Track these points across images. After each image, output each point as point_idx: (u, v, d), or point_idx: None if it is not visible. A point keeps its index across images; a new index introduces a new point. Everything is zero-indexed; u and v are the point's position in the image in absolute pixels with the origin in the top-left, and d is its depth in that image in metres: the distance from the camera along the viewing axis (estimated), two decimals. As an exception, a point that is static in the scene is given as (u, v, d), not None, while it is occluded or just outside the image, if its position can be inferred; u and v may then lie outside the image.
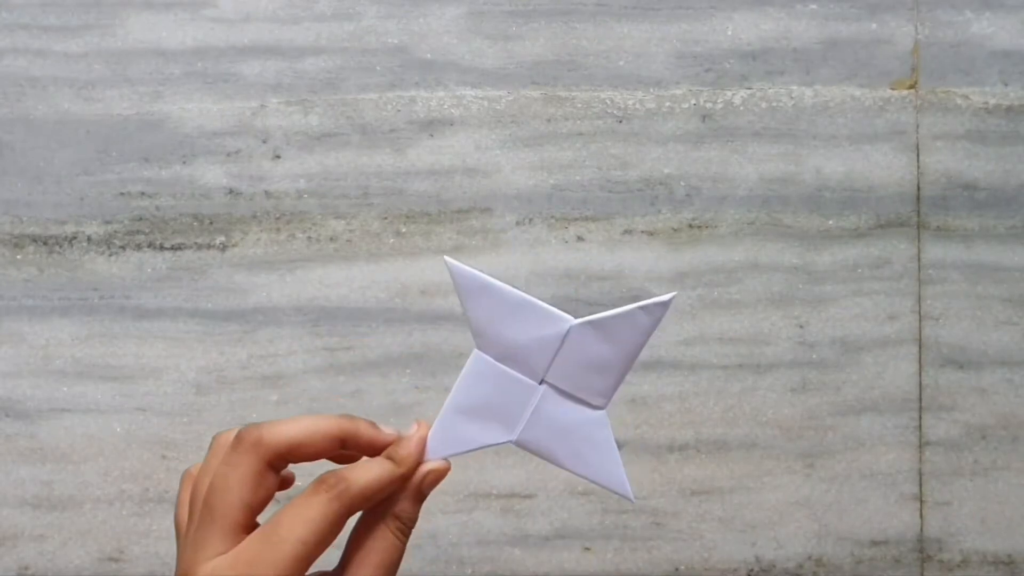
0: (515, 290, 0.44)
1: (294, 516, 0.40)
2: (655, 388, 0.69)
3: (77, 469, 0.69)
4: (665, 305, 0.43)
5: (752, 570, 0.69)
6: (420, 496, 0.43)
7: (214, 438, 0.42)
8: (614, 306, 0.70)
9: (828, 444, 0.70)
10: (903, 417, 0.70)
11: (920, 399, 0.70)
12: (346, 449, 0.43)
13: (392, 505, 0.42)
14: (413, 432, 0.43)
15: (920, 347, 0.70)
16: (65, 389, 0.70)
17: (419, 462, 0.43)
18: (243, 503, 0.40)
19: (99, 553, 0.69)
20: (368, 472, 0.41)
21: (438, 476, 0.43)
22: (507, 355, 0.43)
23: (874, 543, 0.69)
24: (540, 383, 0.43)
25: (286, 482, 0.44)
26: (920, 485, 0.70)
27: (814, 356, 0.70)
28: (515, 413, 0.43)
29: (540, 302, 0.43)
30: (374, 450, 0.43)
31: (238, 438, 0.41)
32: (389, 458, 0.42)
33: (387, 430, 0.43)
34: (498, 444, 0.43)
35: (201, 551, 0.40)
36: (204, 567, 0.39)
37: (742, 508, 0.69)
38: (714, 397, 0.69)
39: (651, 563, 0.69)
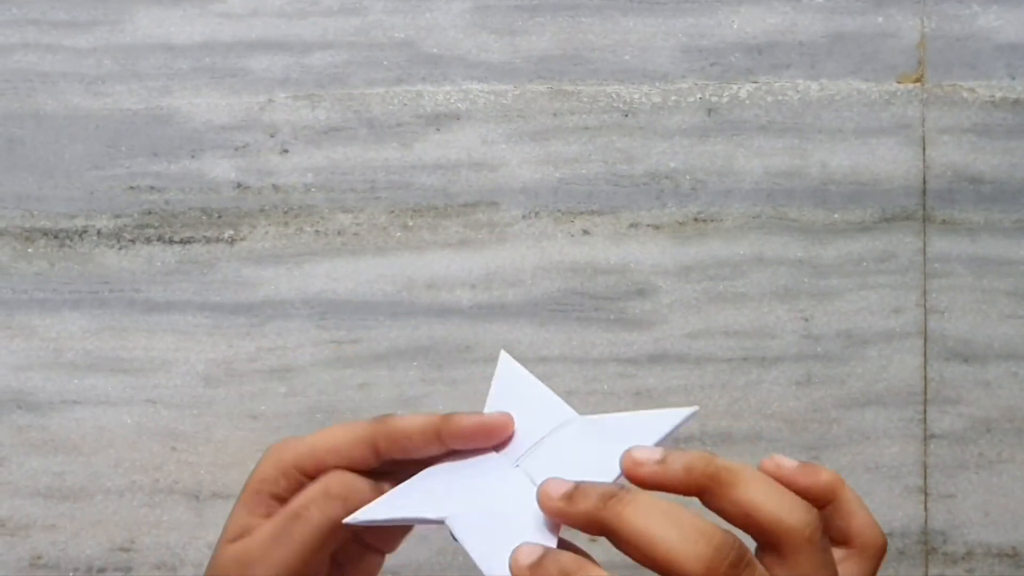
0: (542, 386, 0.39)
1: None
2: (660, 381, 0.70)
3: (88, 460, 0.70)
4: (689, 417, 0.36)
5: (756, 562, 0.70)
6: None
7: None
8: (620, 300, 0.70)
9: (833, 437, 0.70)
10: (908, 410, 0.70)
11: (925, 392, 0.70)
12: (381, 455, 0.39)
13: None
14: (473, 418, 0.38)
15: (925, 340, 0.70)
16: (76, 381, 0.70)
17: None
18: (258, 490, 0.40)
19: (110, 543, 0.70)
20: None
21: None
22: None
23: (878, 535, 0.70)
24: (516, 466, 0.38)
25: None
26: (924, 478, 0.70)
27: (819, 349, 0.70)
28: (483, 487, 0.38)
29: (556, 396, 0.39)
30: (416, 442, 0.38)
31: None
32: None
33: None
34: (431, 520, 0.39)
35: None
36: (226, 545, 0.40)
37: (747, 500, 0.70)
38: (719, 390, 0.70)
39: (656, 554, 0.69)
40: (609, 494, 0.32)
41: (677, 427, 0.36)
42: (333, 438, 0.39)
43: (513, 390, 0.39)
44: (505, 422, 0.38)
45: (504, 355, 0.41)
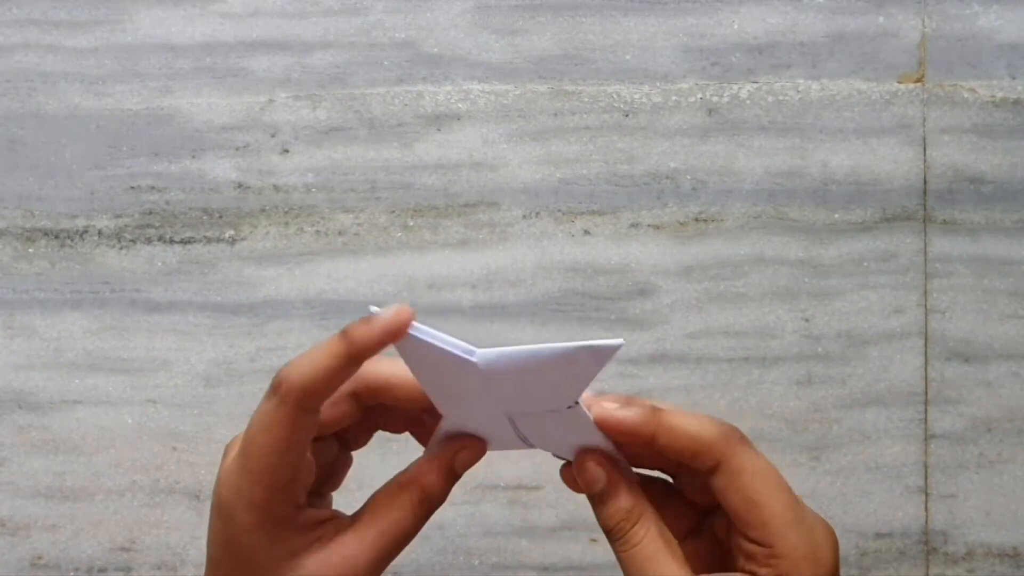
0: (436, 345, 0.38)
1: (254, 427, 0.38)
2: (661, 381, 0.70)
3: (89, 460, 0.70)
4: (610, 351, 0.37)
5: (757, 562, 0.70)
6: (452, 474, 0.40)
7: None
8: (621, 300, 0.70)
9: (833, 437, 0.70)
10: (908, 410, 0.70)
11: (926, 392, 0.70)
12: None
13: (421, 475, 0.40)
14: (387, 310, 0.37)
15: (926, 340, 0.70)
16: (77, 381, 0.70)
17: (376, 343, 0.37)
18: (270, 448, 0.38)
19: (111, 543, 0.70)
20: (309, 362, 0.37)
21: (473, 455, 0.40)
22: (465, 417, 0.40)
23: (879, 535, 0.70)
24: (506, 417, 0.40)
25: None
26: (925, 478, 0.70)
27: (820, 349, 0.70)
28: (511, 434, 0.40)
29: (448, 344, 0.38)
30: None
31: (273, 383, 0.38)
32: (343, 334, 0.37)
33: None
34: (514, 448, 0.41)
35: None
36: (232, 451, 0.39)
37: (747, 500, 0.70)
38: (720, 390, 0.70)
39: (657, 554, 0.69)
40: (652, 406, 0.39)
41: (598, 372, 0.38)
42: (264, 445, 0.37)
43: (425, 362, 0.39)
44: (404, 313, 0.37)
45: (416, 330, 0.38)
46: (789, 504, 0.39)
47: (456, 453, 0.40)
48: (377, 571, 0.39)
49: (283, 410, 0.37)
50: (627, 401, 0.39)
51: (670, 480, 0.42)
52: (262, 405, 0.37)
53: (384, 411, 0.41)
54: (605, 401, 0.39)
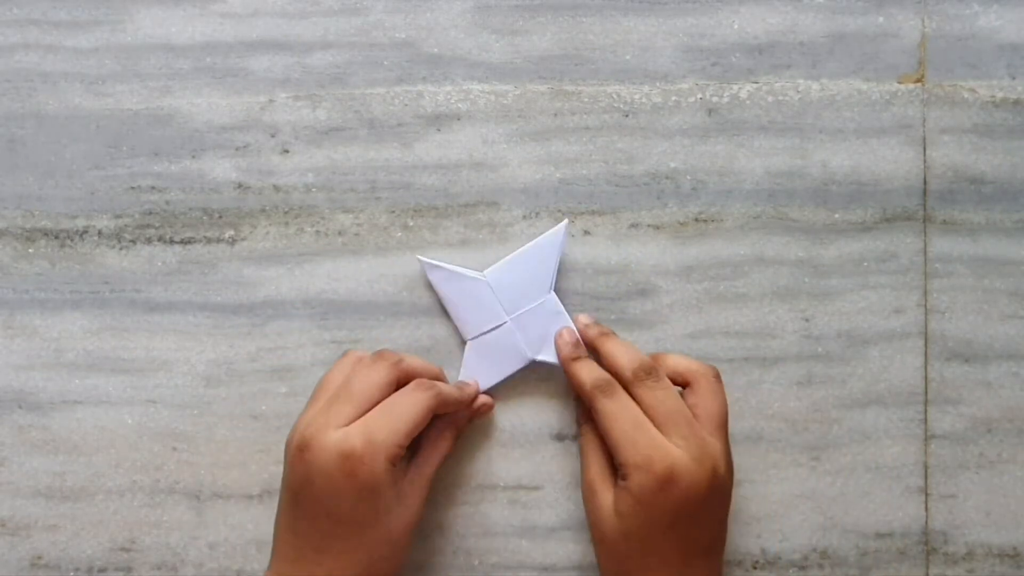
0: (448, 271, 0.67)
1: (408, 402, 0.60)
2: (661, 381, 0.69)
3: (89, 460, 0.70)
4: (561, 233, 0.67)
5: (757, 562, 0.70)
6: (473, 416, 0.67)
7: (347, 352, 0.65)
8: (621, 300, 0.70)
9: (834, 437, 0.70)
10: (909, 410, 0.70)
11: (926, 392, 0.70)
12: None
13: (455, 419, 0.66)
14: (474, 382, 0.67)
15: (926, 341, 0.70)
16: (77, 381, 0.70)
17: (475, 397, 0.67)
18: (374, 397, 0.60)
19: (111, 543, 0.70)
20: (452, 391, 0.64)
21: (488, 408, 0.67)
22: (480, 322, 0.67)
23: (879, 535, 0.70)
24: (506, 322, 0.66)
25: None
26: (925, 478, 0.70)
27: (820, 349, 0.70)
28: (515, 346, 0.66)
29: (459, 270, 0.67)
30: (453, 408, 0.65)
31: (380, 353, 0.63)
32: (459, 389, 0.65)
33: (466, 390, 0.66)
34: (520, 368, 0.67)
35: (334, 420, 0.59)
36: (335, 432, 0.58)
37: (747, 501, 0.70)
38: (720, 390, 0.70)
39: (657, 554, 0.69)
40: (609, 332, 0.67)
41: (562, 247, 0.67)
42: (415, 421, 0.60)
43: (449, 289, 0.68)
44: (478, 388, 0.67)
45: (422, 260, 0.68)
46: (636, 424, 0.61)
47: (479, 407, 0.67)
48: (433, 482, 0.64)
49: (431, 404, 0.61)
50: (594, 322, 0.67)
51: None
52: (415, 395, 0.61)
53: None
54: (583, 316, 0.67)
